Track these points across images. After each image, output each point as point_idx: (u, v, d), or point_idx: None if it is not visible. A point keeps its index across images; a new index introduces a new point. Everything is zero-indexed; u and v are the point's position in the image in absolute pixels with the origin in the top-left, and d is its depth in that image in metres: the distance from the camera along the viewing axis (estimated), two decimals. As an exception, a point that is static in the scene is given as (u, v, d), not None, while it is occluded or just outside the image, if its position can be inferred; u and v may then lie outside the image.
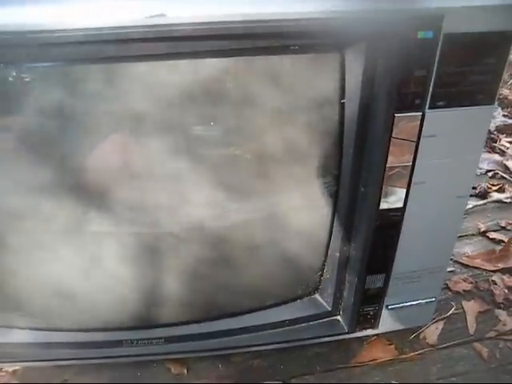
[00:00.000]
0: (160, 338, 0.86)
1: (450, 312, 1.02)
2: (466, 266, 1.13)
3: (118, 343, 0.87)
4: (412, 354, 0.94)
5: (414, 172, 0.73)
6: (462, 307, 1.04)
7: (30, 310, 0.85)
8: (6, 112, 0.65)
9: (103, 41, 0.58)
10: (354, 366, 0.92)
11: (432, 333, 0.98)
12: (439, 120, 0.69)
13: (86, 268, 0.80)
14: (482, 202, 1.35)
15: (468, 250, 1.17)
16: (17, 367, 1.04)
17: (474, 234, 1.23)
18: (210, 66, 0.65)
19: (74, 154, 0.70)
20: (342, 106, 0.69)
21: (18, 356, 0.88)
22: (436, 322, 0.99)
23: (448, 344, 0.96)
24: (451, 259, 1.11)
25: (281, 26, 0.60)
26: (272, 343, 0.90)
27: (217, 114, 0.69)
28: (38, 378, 0.90)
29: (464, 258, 1.14)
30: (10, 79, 0.62)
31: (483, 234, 1.24)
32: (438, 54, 0.63)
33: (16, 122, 0.66)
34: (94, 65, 0.63)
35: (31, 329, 0.86)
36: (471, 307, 1.03)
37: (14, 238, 0.77)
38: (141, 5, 0.58)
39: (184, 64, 0.63)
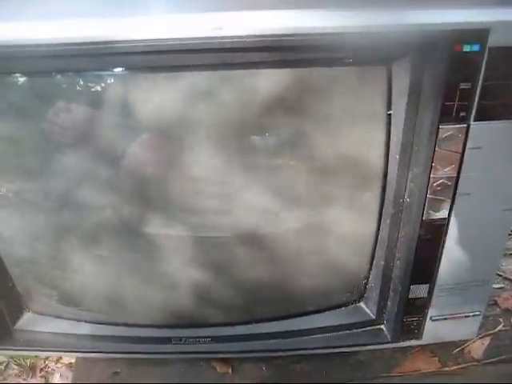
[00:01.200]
0: (207, 337, 0.90)
1: (498, 328, 1.01)
2: (516, 282, 1.12)
3: (167, 340, 0.91)
4: (456, 367, 0.94)
5: (459, 183, 0.74)
6: (511, 324, 1.02)
7: (87, 305, 0.90)
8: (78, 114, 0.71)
9: (165, 51, 0.63)
10: (396, 376, 0.93)
11: (477, 348, 0.97)
12: (484, 132, 0.70)
13: (140, 267, 0.85)
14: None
15: (518, 265, 1.15)
16: (72, 360, 1.11)
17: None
18: (264, 78, 0.68)
19: (138, 157, 0.75)
20: (389, 117, 0.71)
21: (74, 346, 0.92)
22: (482, 337, 0.99)
23: (493, 360, 0.95)
24: (501, 276, 1.10)
25: (334, 40, 0.63)
26: (315, 348, 0.92)
27: (271, 125, 0.72)
28: (92, 368, 0.95)
29: (513, 274, 1.13)
30: (81, 87, 0.68)
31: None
32: (483, 67, 0.64)
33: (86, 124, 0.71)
34: (154, 74, 0.68)
35: (87, 321, 0.92)
36: (520, 325, 1.02)
37: (75, 237, 0.82)
38: (201, 18, 0.63)
39: (239, 75, 0.68)
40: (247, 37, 0.62)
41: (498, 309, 1.05)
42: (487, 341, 0.98)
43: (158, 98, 0.70)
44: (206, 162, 0.75)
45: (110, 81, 0.69)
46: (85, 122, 0.72)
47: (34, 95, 0.70)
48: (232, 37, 0.62)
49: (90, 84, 0.69)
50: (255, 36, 0.62)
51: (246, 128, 0.73)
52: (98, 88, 0.69)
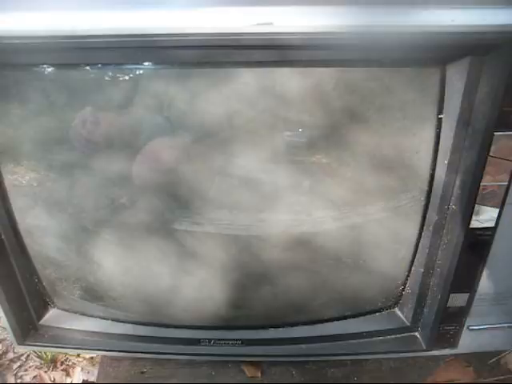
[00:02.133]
0: (238, 340, 0.88)
1: (534, 339, 0.98)
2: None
3: (196, 341, 0.89)
4: (492, 379, 0.91)
5: (510, 192, 0.71)
6: (547, 334, 0.99)
7: (113, 303, 0.89)
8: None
9: (212, 46, 0.60)
10: (429, 385, 0.91)
11: (514, 359, 0.95)
12: (540, 139, 0.67)
13: (170, 266, 0.83)
14: None
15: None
16: (93, 354, 1.09)
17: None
18: (314, 76, 0.66)
19: (173, 150, 0.73)
20: (440, 120, 0.68)
21: (99, 344, 0.91)
22: (519, 348, 0.96)
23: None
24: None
25: (385, 38, 0.60)
26: (348, 354, 0.90)
27: (315, 123, 0.70)
28: (117, 366, 0.93)
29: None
30: (129, 78, 0.66)
31: None
32: (546, 71, 0.61)
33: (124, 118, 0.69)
34: (200, 69, 0.66)
35: (113, 320, 0.90)
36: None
37: (103, 232, 0.80)
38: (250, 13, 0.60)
39: (286, 72, 0.65)
40: (297, 34, 0.59)
41: (534, 318, 1.02)
42: (524, 352, 0.96)
43: (199, 92, 0.67)
44: (239, 159, 0.72)
45: (146, 75, 0.67)
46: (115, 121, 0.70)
47: (61, 88, 0.68)
48: (282, 33, 0.59)
49: (124, 77, 0.66)
50: (305, 33, 0.59)
51: (284, 124, 0.70)
52: (147, 79, 0.67)
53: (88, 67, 0.64)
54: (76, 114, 0.69)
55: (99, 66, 0.65)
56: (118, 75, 0.65)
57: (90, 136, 0.69)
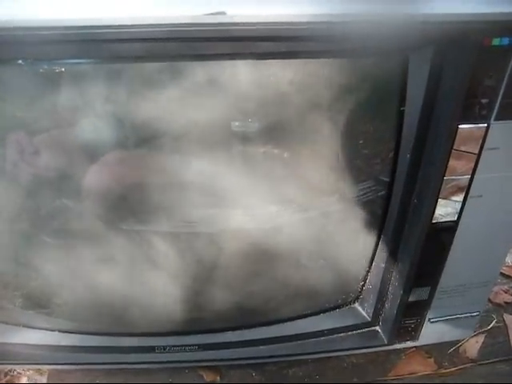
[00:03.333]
0: (194, 345, 0.84)
1: (491, 325, 0.99)
2: (508, 276, 1.09)
3: (150, 349, 0.85)
4: (452, 368, 0.91)
5: (472, 185, 0.69)
6: (504, 320, 1.00)
7: (61, 313, 0.83)
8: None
9: (157, 38, 0.55)
10: (393, 379, 0.89)
11: (472, 346, 0.95)
12: (504, 132, 0.65)
13: (119, 272, 0.77)
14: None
15: (509, 259, 1.12)
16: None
17: (514, 243, 1.18)
18: (274, 69, 0.62)
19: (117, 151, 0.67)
20: (401, 113, 0.65)
21: (47, 358, 0.85)
22: (476, 335, 0.96)
23: (489, 361, 0.92)
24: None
25: (344, 28, 0.56)
26: (309, 353, 0.88)
27: (273, 116, 0.66)
28: (66, 378, 0.88)
29: (505, 268, 1.09)
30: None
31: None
32: (511, 62, 0.59)
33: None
34: (146, 63, 0.60)
35: (61, 331, 0.85)
36: (513, 320, 1.00)
37: (49, 237, 0.74)
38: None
39: (242, 64, 0.60)
40: (255, 24, 0.54)
41: (490, 304, 1.03)
42: (481, 339, 0.96)
43: (148, 88, 0.62)
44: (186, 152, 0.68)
45: (96, 70, 0.61)
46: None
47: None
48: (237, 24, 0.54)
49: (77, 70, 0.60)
50: (262, 23, 0.55)
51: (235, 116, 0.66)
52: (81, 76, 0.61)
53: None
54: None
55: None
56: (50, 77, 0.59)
57: (32, 169, 0.64)
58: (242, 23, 0.54)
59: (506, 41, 0.57)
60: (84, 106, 0.62)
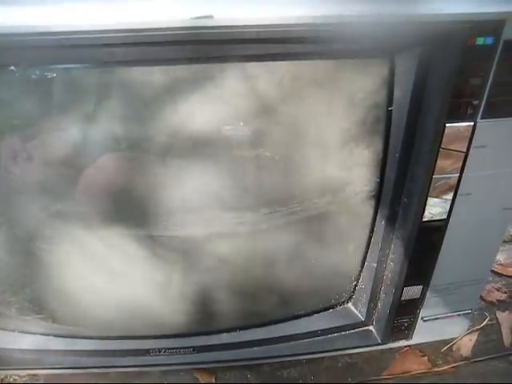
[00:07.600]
0: (189, 347, 0.84)
1: (484, 323, 0.99)
2: (500, 274, 1.10)
3: (145, 352, 0.85)
4: (446, 367, 0.91)
5: (461, 183, 0.70)
6: (496, 318, 1.00)
7: (55, 316, 0.83)
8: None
9: (144, 43, 0.55)
10: (387, 378, 0.90)
11: (465, 344, 0.95)
12: (491, 130, 0.66)
13: (112, 275, 0.78)
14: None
15: (501, 257, 1.13)
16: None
17: (506, 241, 1.18)
18: (254, 69, 0.62)
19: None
20: (389, 113, 0.66)
21: (42, 363, 0.85)
22: (469, 333, 0.96)
23: (482, 358, 0.93)
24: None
25: (330, 30, 0.57)
26: (303, 353, 0.88)
27: (263, 120, 0.66)
28: (62, 382, 0.88)
29: (497, 267, 1.10)
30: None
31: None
32: (495, 61, 0.60)
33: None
34: (131, 67, 0.60)
35: (55, 335, 0.85)
36: (506, 318, 1.00)
37: (43, 243, 0.74)
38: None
39: (231, 67, 0.61)
40: (240, 27, 0.55)
41: (483, 302, 1.03)
42: (474, 337, 0.96)
43: (133, 92, 0.62)
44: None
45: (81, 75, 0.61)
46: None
47: None
48: (223, 27, 0.55)
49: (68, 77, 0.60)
50: (248, 26, 0.55)
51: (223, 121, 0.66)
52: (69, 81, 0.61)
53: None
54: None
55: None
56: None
57: (25, 175, 0.65)
58: (228, 26, 0.55)
59: (489, 40, 0.58)
60: (76, 111, 0.63)
